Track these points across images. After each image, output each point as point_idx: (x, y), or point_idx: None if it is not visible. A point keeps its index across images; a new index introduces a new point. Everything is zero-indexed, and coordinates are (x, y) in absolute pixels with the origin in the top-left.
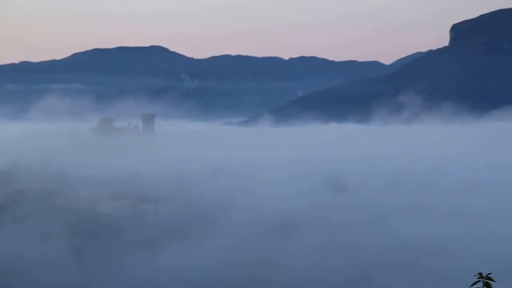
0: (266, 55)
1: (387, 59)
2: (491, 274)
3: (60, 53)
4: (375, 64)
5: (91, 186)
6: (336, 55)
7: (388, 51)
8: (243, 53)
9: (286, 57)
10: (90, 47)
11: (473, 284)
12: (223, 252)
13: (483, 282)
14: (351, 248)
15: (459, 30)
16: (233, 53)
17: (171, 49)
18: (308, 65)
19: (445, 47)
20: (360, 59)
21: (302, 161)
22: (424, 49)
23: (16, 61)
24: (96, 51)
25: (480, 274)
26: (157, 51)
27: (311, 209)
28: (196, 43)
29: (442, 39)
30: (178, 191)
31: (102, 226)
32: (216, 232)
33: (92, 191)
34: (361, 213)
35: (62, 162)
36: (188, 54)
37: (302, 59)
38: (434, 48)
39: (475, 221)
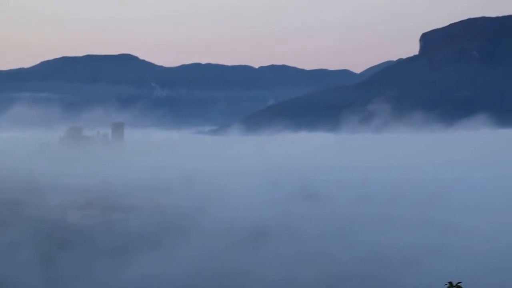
0: (236, 64)
1: (358, 68)
2: (461, 283)
3: (28, 61)
4: (345, 73)
5: (60, 195)
6: (307, 64)
7: (359, 60)
8: (213, 62)
9: (256, 66)
10: (58, 55)
11: None
12: (194, 261)
13: None
14: (322, 258)
15: (429, 39)
16: (203, 62)
17: (141, 57)
18: (279, 74)
19: (415, 56)
20: (330, 68)
21: (273, 170)
22: (394, 57)
23: None
24: (65, 59)
25: (450, 283)
26: (126, 59)
27: (282, 218)
28: (166, 52)
29: (412, 48)
30: (149, 200)
31: (72, 235)
32: (188, 241)
33: (61, 200)
34: (331, 223)
35: (30, 171)
36: (158, 62)
37: (272, 67)
38: (404, 56)
39: (445, 233)
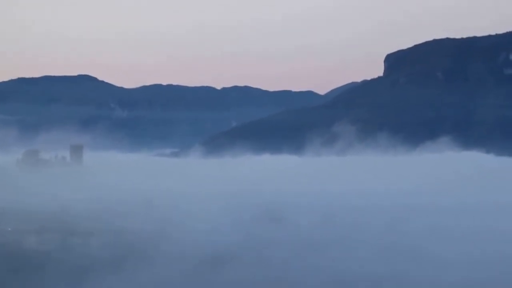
0: (198, 84)
1: (322, 89)
2: None
3: None
4: (309, 94)
5: (17, 221)
6: (270, 85)
7: (323, 81)
8: (175, 82)
9: (218, 87)
10: (14, 76)
11: None
12: (155, 285)
13: None
14: (285, 283)
15: (394, 60)
16: (164, 82)
17: (100, 78)
18: (242, 95)
19: (379, 77)
20: (294, 89)
21: (234, 194)
22: (358, 79)
23: None
24: (21, 80)
25: None
26: (85, 80)
27: (244, 242)
28: (125, 72)
29: (376, 69)
30: (108, 224)
31: (29, 261)
32: (148, 265)
33: (18, 226)
34: (294, 248)
35: None
36: (117, 83)
37: (235, 88)
38: (368, 78)
39: (409, 260)
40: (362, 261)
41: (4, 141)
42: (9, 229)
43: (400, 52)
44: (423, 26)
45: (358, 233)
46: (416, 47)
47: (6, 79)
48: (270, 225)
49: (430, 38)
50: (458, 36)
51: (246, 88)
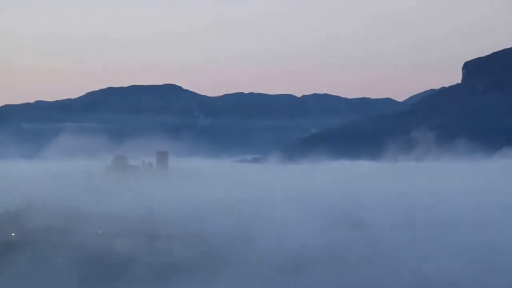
0: (279, 93)
1: (400, 96)
2: None
3: (75, 92)
4: (388, 101)
5: (106, 224)
6: (349, 93)
7: (401, 88)
8: (256, 91)
9: (298, 95)
10: (104, 86)
11: None
12: None
13: None
14: (369, 285)
15: (472, 67)
16: (246, 91)
17: (185, 87)
18: (321, 102)
19: (457, 84)
20: (373, 96)
21: (314, 199)
22: (436, 86)
23: (31, 100)
24: (110, 90)
25: None
26: (170, 89)
27: (323, 248)
28: (208, 82)
29: (454, 76)
30: (192, 229)
31: (117, 263)
32: (229, 271)
33: (107, 229)
34: (374, 251)
35: (77, 200)
36: (201, 92)
37: (315, 96)
38: (446, 85)
39: (487, 258)
40: (443, 263)
41: (94, 148)
42: (99, 232)
43: (478, 60)
44: (501, 33)
45: (437, 235)
46: (494, 54)
47: (96, 88)
48: (349, 229)
49: (508, 46)
50: None
51: (326, 96)
